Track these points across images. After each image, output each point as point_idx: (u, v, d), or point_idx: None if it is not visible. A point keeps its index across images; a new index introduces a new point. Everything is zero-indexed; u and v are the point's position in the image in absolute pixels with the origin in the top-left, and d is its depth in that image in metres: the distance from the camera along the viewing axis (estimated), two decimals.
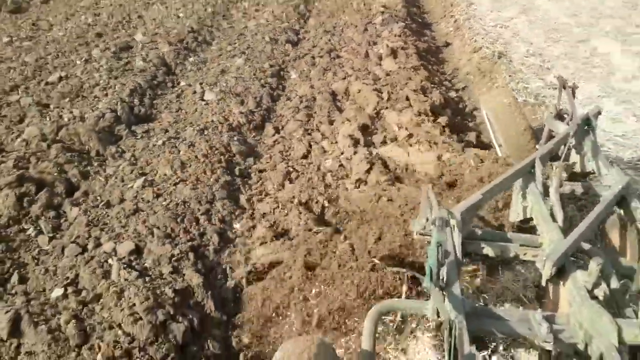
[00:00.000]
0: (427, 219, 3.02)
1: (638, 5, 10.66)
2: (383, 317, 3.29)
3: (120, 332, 3.37)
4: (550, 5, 11.14)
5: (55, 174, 5.01)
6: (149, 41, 8.76)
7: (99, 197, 4.85)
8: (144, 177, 5.10)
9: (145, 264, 4.00)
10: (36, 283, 3.84)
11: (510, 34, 9.85)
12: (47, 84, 7.07)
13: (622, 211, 3.38)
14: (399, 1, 11.01)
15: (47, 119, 6.09)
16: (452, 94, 7.66)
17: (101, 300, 3.62)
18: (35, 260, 4.10)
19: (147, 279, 3.80)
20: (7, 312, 3.40)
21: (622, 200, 3.35)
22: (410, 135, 5.46)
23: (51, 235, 4.36)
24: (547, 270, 2.73)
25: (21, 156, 5.25)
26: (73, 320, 3.40)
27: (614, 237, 3.45)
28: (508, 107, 4.98)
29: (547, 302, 2.95)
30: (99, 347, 3.25)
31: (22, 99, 6.56)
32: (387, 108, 6.38)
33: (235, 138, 5.94)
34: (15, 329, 3.34)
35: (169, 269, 3.93)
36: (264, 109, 6.75)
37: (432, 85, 7.07)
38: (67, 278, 3.82)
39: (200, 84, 7.30)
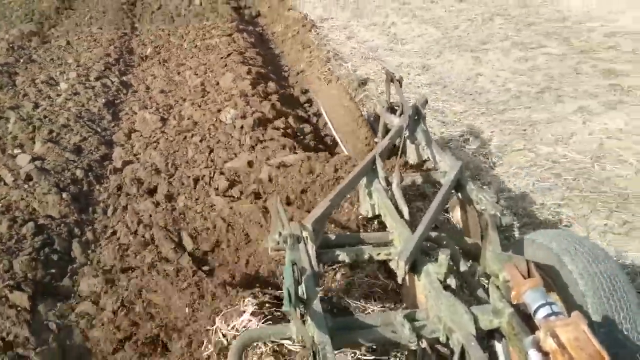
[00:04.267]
0: (280, 234, 3.15)
1: None
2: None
3: None
4: None
5: None
6: None
7: None
8: None
9: None
10: None
11: None
12: None
13: (460, 194, 3.75)
14: None
15: None
16: None
17: None
18: None
19: None
20: None
21: (458, 183, 3.72)
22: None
23: None
24: (400, 270, 2.95)
25: None
26: None
27: (456, 218, 3.88)
28: (343, 103, 5.27)
29: (406, 297, 3.21)
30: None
31: None
32: None
33: None
34: None
35: None
36: None
37: None
38: None
39: None
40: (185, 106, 7.00)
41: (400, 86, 4.89)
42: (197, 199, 4.97)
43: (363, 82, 7.85)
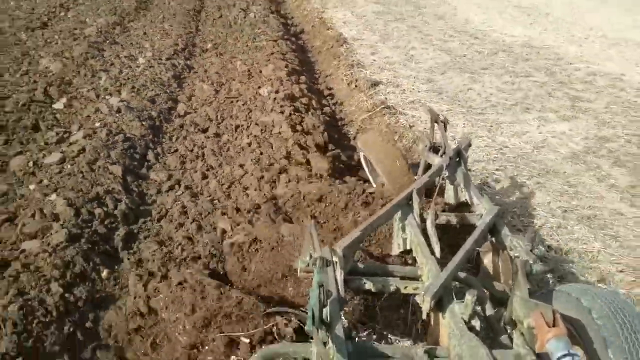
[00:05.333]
0: (311, 256, 2.44)
1: None
2: None
3: None
4: None
5: None
6: None
7: None
8: None
9: None
10: None
11: None
12: None
13: (494, 239, 2.91)
14: None
15: None
16: None
17: None
18: None
19: None
20: None
21: (493, 228, 2.89)
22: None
23: None
24: (425, 305, 2.27)
25: None
26: None
27: (488, 263, 2.98)
28: (386, 146, 4.21)
29: (430, 334, 2.46)
30: None
31: None
32: None
33: None
34: None
35: None
36: None
37: None
38: None
39: None
40: (234, 83, 7.11)
41: (445, 128, 3.95)
42: (236, 138, 5.48)
43: (375, 84, 7.69)
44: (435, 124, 4.00)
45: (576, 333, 2.22)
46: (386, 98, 7.16)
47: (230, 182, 4.46)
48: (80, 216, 3.61)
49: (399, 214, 2.95)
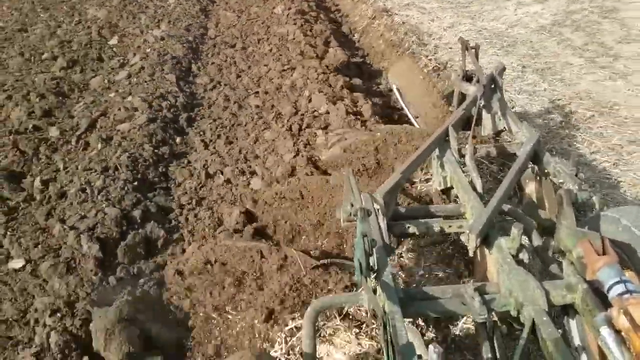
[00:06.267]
0: (352, 205, 1.67)
1: None
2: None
3: None
4: None
5: None
6: None
7: None
8: None
9: None
10: None
11: None
12: None
13: (536, 166, 2.03)
14: None
15: None
16: None
17: None
18: None
19: None
20: None
21: (534, 155, 2.01)
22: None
23: None
24: (472, 243, 1.58)
25: None
26: None
27: (531, 191, 2.11)
28: (417, 77, 3.01)
29: (477, 270, 1.75)
30: None
31: None
32: None
33: None
34: None
35: None
36: None
37: None
38: None
39: None
40: (252, 8, 6.39)
41: (476, 54, 2.70)
42: (259, 47, 5.06)
43: None
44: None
45: (626, 257, 1.52)
46: (384, 4, 6.38)
47: (259, 77, 4.37)
48: (153, 107, 3.77)
49: (436, 152, 2.08)
